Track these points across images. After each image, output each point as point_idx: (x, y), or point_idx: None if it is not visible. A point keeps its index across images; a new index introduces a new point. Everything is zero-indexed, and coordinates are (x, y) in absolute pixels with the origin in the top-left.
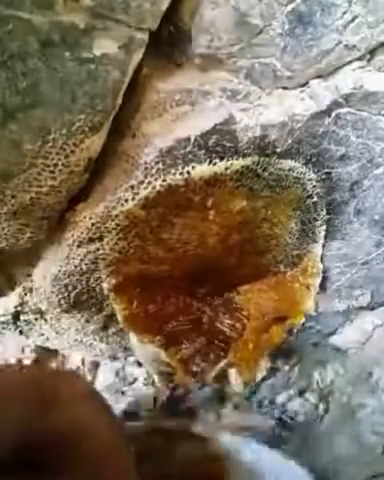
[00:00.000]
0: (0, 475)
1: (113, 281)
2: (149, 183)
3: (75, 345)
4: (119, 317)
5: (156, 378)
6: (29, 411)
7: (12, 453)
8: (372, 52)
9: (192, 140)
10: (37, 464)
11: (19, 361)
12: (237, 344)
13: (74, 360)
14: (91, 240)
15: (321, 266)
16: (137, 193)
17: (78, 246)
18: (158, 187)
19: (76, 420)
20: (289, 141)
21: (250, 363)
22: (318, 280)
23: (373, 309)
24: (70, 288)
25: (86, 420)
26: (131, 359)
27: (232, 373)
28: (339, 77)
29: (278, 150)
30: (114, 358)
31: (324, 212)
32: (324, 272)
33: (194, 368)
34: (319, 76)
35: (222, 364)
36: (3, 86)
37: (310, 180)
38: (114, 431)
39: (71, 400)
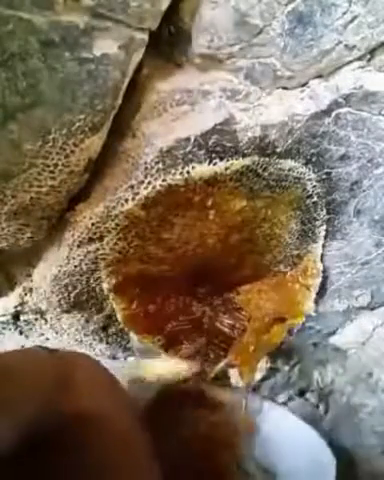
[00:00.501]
0: (15, 456)
1: (113, 281)
2: (149, 183)
3: (75, 345)
4: (119, 317)
5: None
6: (46, 393)
7: (27, 435)
8: (372, 52)
9: (192, 140)
10: (51, 446)
11: None
12: (238, 346)
13: None
14: (91, 240)
15: (321, 266)
16: (137, 193)
17: (78, 246)
18: (158, 187)
19: (92, 404)
20: (289, 141)
21: (251, 365)
22: (318, 281)
23: (373, 309)
24: (70, 288)
25: (102, 404)
26: (131, 359)
27: (232, 373)
28: (339, 77)
29: (278, 150)
30: (114, 358)
31: (324, 212)
32: (324, 272)
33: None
34: (319, 76)
35: (222, 364)
36: (3, 86)
37: (310, 180)
38: (129, 415)
39: (88, 384)
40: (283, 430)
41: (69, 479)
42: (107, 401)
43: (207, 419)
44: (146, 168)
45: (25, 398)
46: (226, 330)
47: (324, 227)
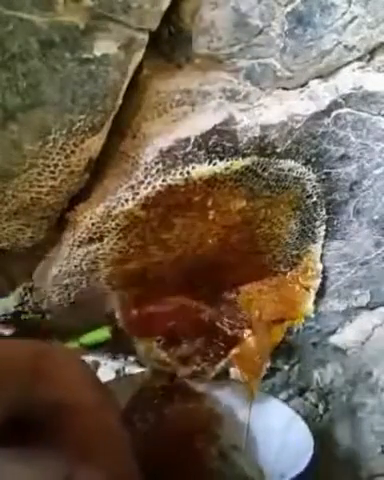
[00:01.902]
0: None
1: (113, 281)
2: (149, 183)
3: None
4: (119, 317)
5: None
6: (21, 383)
7: (2, 425)
8: (372, 52)
9: (192, 140)
10: (26, 437)
11: None
12: (241, 354)
13: None
14: (91, 240)
15: (321, 266)
16: (137, 193)
17: (78, 246)
18: (158, 187)
19: (67, 394)
20: (289, 141)
21: (256, 372)
22: (318, 282)
23: (373, 309)
24: (70, 288)
25: (78, 395)
26: (131, 359)
27: (233, 372)
28: (339, 77)
29: (278, 150)
30: (114, 358)
31: (324, 212)
32: (323, 272)
33: (194, 367)
34: (319, 76)
35: (222, 363)
36: (3, 86)
37: (310, 180)
38: (106, 406)
39: (63, 374)
40: (263, 415)
41: (44, 467)
42: (83, 392)
43: (185, 407)
44: (146, 168)
45: (2, 386)
46: (226, 330)
47: (324, 227)
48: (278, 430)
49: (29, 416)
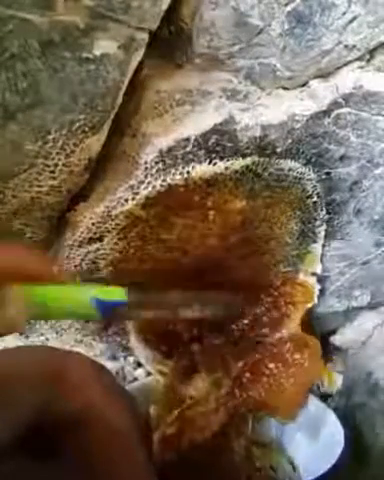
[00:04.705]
0: (12, 458)
1: (113, 281)
2: (149, 183)
3: (75, 345)
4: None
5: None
6: (41, 394)
7: (24, 437)
8: (372, 52)
9: (192, 140)
10: (48, 448)
11: None
12: None
13: None
14: (91, 240)
15: (320, 266)
16: (137, 193)
17: (78, 246)
18: (158, 187)
19: (87, 403)
20: (289, 141)
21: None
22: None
23: (373, 309)
24: None
25: (97, 403)
26: (131, 359)
27: None
28: (339, 77)
29: (278, 150)
30: (114, 358)
31: (324, 212)
32: (324, 272)
33: None
34: (319, 76)
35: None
36: (3, 86)
37: (310, 180)
38: (126, 415)
39: (82, 382)
40: None
41: (63, 478)
42: (104, 402)
43: None
44: (146, 168)
45: (22, 398)
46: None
47: (324, 227)
48: (309, 423)
49: (51, 426)
